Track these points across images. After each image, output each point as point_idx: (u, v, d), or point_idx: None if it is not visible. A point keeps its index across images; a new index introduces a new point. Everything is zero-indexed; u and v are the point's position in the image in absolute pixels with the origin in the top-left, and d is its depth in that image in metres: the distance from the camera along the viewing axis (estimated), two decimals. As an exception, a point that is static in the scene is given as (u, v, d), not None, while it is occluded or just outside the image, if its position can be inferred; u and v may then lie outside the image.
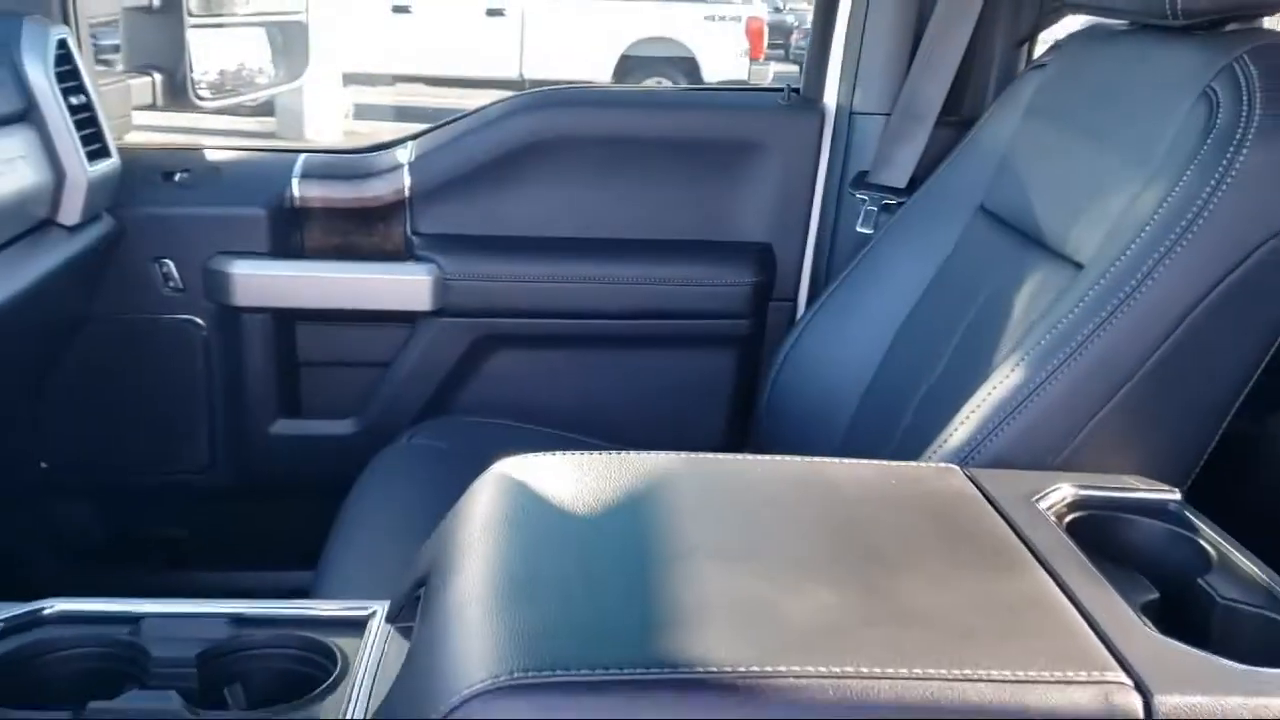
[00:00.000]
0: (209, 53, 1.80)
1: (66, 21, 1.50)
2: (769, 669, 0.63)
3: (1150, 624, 0.72)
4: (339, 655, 0.86)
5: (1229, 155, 0.97)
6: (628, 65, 10.06)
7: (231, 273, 1.57)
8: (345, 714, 0.79)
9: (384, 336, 1.64)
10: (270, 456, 1.65)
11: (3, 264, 1.26)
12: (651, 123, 1.68)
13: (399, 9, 11.05)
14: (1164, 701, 0.65)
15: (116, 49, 1.83)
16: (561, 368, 1.67)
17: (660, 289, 1.65)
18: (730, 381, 1.71)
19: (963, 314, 1.26)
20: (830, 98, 1.67)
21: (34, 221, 1.35)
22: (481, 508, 0.81)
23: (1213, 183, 0.97)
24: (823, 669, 0.63)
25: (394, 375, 1.65)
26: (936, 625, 0.69)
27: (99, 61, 1.75)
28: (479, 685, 0.62)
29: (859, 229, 1.57)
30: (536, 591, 0.70)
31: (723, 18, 10.12)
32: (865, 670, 0.64)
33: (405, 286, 1.60)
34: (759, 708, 0.62)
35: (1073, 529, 0.86)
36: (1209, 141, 0.99)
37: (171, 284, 1.58)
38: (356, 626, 0.90)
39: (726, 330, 1.68)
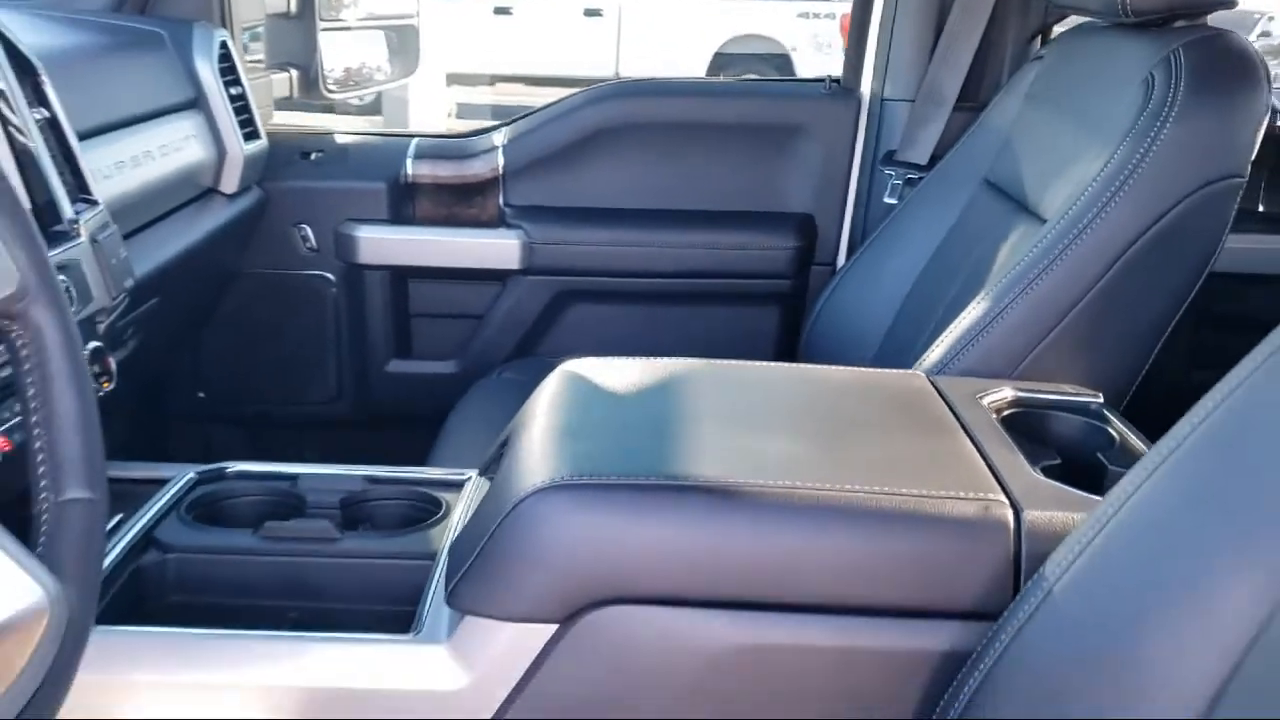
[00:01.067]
0: (336, 52, 2.11)
1: (225, 25, 1.82)
2: (742, 482, 0.90)
3: (1040, 474, 0.97)
4: (443, 503, 1.15)
5: (1155, 128, 1.20)
6: (721, 63, 10.26)
7: (357, 236, 1.87)
8: (445, 541, 1.07)
9: (480, 291, 1.93)
10: (385, 391, 1.96)
11: (177, 223, 1.58)
12: (708, 109, 1.94)
13: (500, 10, 11.43)
14: (1030, 514, 0.89)
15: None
16: (628, 319, 1.94)
17: (714, 252, 1.91)
18: (774, 334, 1.97)
19: (961, 267, 1.50)
20: (865, 86, 1.91)
21: (200, 190, 1.67)
22: (548, 391, 1.08)
23: (1141, 150, 1.20)
24: (781, 483, 0.90)
25: (488, 324, 1.94)
26: (871, 465, 0.95)
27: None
28: (536, 485, 0.89)
29: (885, 200, 1.81)
30: (584, 434, 0.98)
31: (817, 14, 10.26)
32: (810, 485, 0.90)
33: (498, 249, 1.89)
34: (734, 508, 0.89)
35: (1007, 421, 1.10)
36: (1142, 117, 1.22)
37: (308, 245, 1.89)
38: (457, 485, 1.19)
39: (772, 289, 1.93)
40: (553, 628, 0.90)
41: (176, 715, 0.92)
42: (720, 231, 1.91)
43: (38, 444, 0.66)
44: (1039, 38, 1.82)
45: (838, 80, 1.95)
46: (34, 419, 0.66)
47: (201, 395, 1.95)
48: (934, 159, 1.77)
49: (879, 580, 0.88)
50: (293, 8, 2.03)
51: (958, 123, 1.77)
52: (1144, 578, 0.70)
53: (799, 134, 1.92)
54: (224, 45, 1.72)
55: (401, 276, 1.92)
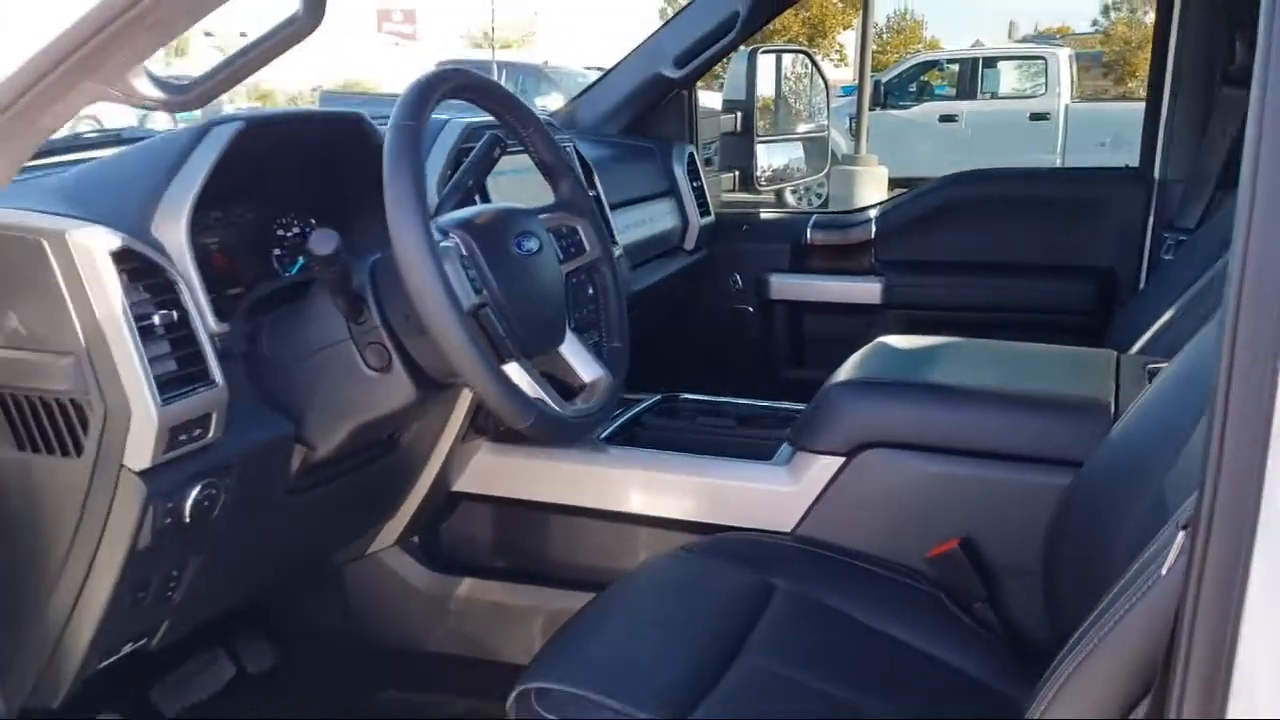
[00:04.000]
0: (767, 158, 3.00)
1: (692, 142, 2.76)
2: (955, 383, 1.61)
3: None
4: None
5: None
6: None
7: (769, 280, 2.72)
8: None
9: (850, 323, 2.70)
10: (782, 394, 2.78)
11: (658, 264, 2.50)
12: (1036, 188, 2.61)
13: (946, 118, 12.18)
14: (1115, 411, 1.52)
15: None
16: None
17: (1032, 294, 2.55)
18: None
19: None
20: (1155, 171, 2.50)
21: (671, 246, 2.60)
22: (860, 351, 1.84)
23: None
24: (974, 384, 1.60)
25: (856, 346, 2.70)
26: (1034, 377, 1.62)
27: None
28: (838, 380, 1.66)
29: (1163, 256, 2.38)
30: (870, 362, 1.73)
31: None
32: (987, 385, 1.59)
33: (867, 291, 2.66)
34: (954, 397, 1.61)
35: None
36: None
37: (736, 287, 2.77)
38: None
39: (1078, 324, 2.54)
40: (840, 460, 1.65)
41: (625, 495, 1.75)
42: (1038, 279, 2.55)
43: (602, 325, 1.54)
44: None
45: (1135, 167, 2.54)
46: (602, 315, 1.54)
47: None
48: (1199, 223, 2.33)
49: (1026, 439, 1.55)
50: (738, 128, 2.95)
51: (1220, 198, 2.31)
52: (1159, 431, 1.31)
53: (1105, 206, 2.53)
54: (690, 155, 2.65)
55: (797, 310, 2.74)
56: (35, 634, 1.24)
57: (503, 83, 1.52)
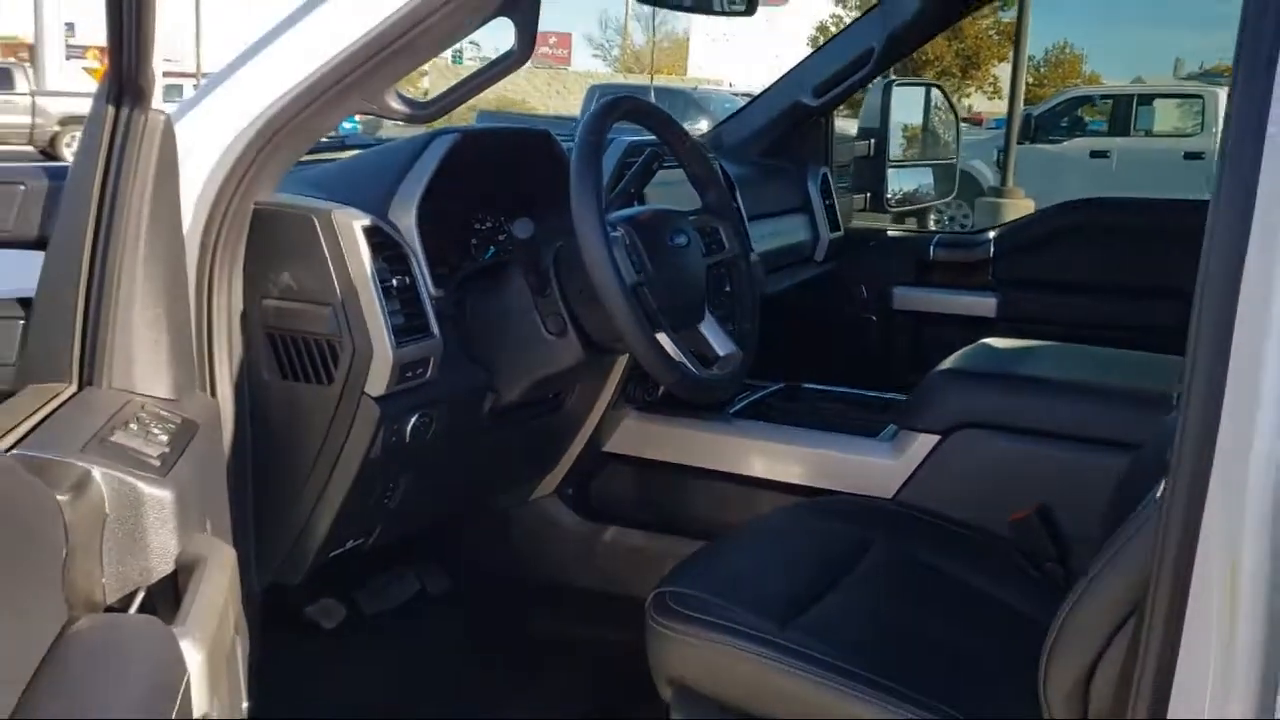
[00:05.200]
0: (897, 182, 3.27)
1: (827, 164, 3.05)
2: (1051, 377, 1.87)
3: None
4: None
5: None
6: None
7: (893, 292, 2.98)
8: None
9: (965, 334, 2.93)
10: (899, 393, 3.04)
11: (789, 272, 2.79)
12: (1148, 216, 2.81)
13: (1097, 154, 12.11)
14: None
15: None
16: None
17: (1138, 314, 2.75)
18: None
19: None
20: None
21: (803, 257, 2.89)
22: (961, 351, 2.10)
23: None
24: (1065, 376, 1.86)
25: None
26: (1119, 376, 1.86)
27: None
28: (940, 369, 1.94)
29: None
30: (970, 357, 1.99)
31: None
32: (1082, 378, 1.85)
33: (982, 305, 2.90)
34: (1045, 387, 1.87)
35: None
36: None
37: (862, 298, 3.03)
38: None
39: (1181, 345, 2.72)
40: (937, 437, 1.92)
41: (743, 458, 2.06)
42: (1149, 300, 2.75)
43: (736, 310, 1.85)
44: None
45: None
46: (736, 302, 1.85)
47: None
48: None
49: (1095, 423, 1.79)
50: (871, 153, 3.22)
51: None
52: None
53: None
54: (824, 176, 2.94)
55: (919, 320, 3.00)
56: (287, 524, 1.61)
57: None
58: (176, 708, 0.82)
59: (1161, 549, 0.90)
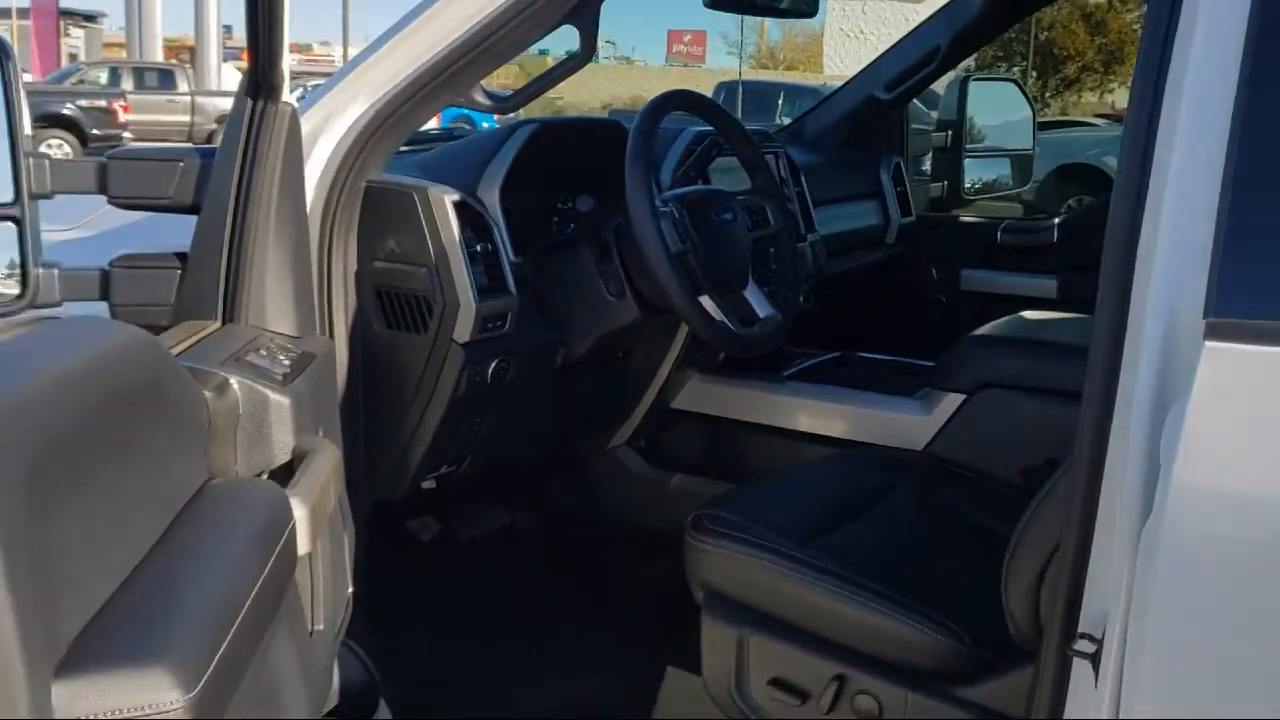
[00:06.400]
0: (974, 171, 3.45)
1: (901, 154, 3.25)
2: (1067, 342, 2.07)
3: None
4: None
5: None
6: None
7: (963, 274, 3.17)
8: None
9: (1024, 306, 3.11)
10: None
11: (857, 253, 3.01)
12: None
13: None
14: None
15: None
16: None
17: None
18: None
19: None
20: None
21: (873, 240, 3.10)
22: (996, 321, 2.31)
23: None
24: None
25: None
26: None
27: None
28: (972, 335, 2.15)
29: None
30: (1003, 326, 2.20)
31: None
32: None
33: (1045, 286, 3.06)
34: (1067, 354, 2.07)
35: None
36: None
37: (934, 278, 3.23)
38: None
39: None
40: (963, 396, 2.13)
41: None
42: None
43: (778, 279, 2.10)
44: None
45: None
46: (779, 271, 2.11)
47: None
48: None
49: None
50: (948, 144, 3.42)
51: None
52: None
53: None
54: (897, 165, 3.15)
55: (985, 300, 3.18)
56: (390, 448, 1.93)
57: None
58: (283, 542, 1.12)
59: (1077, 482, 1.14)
